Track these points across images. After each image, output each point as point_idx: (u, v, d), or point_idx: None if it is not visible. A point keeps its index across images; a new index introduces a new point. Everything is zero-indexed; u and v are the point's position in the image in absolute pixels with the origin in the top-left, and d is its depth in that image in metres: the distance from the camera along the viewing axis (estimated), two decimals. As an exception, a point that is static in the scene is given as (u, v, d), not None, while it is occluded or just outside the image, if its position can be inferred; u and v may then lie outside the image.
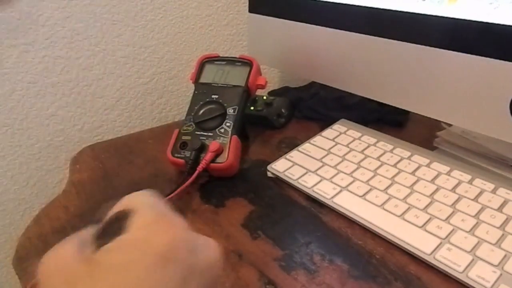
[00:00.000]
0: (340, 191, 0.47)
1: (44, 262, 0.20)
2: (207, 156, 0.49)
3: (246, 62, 0.56)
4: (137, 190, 0.24)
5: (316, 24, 0.55)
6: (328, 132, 0.57)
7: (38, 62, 0.60)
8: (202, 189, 0.50)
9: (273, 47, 0.64)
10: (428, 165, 0.49)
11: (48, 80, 0.61)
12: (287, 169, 0.51)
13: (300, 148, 0.55)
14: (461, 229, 0.40)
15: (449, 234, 0.40)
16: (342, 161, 0.51)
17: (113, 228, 0.21)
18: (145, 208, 0.22)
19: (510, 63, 0.39)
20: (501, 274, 0.35)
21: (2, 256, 0.66)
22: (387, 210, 0.43)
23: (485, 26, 0.40)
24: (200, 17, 0.72)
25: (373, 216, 0.43)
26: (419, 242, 0.39)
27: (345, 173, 0.49)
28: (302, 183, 0.48)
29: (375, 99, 0.53)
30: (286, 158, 0.53)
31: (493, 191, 0.44)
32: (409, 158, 0.50)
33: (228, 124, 0.51)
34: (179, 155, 0.51)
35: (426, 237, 0.40)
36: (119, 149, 0.60)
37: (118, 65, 0.66)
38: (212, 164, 0.49)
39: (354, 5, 0.50)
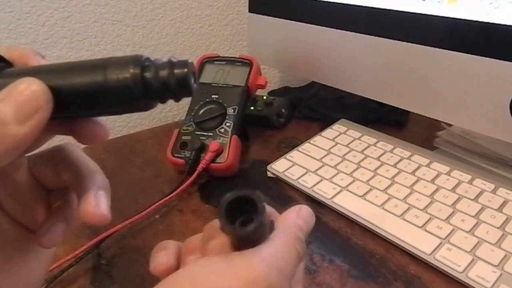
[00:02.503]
0: (340, 191, 0.47)
1: None
2: (207, 156, 0.49)
3: (246, 62, 0.56)
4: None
5: (316, 24, 0.55)
6: (328, 132, 0.57)
7: (38, 62, 0.60)
8: (202, 189, 0.50)
9: (273, 47, 0.63)
10: (428, 165, 0.49)
11: (48, 80, 0.61)
12: (287, 169, 0.51)
13: (300, 148, 0.55)
14: (461, 229, 0.40)
15: (449, 234, 0.40)
16: (342, 161, 0.51)
17: None
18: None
19: (510, 63, 0.39)
20: (501, 274, 0.35)
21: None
22: (387, 210, 0.43)
23: (485, 26, 0.40)
24: (200, 17, 0.72)
25: (373, 216, 0.43)
26: (419, 242, 0.39)
27: (345, 173, 0.49)
28: (302, 183, 0.48)
29: (375, 99, 0.53)
30: (286, 158, 0.53)
31: (493, 191, 0.44)
32: (409, 158, 0.50)
33: (228, 124, 0.51)
34: (179, 155, 0.51)
35: (426, 237, 0.40)
36: (119, 149, 0.60)
37: (118, 65, 0.66)
38: (212, 164, 0.49)
39: (354, 5, 0.50)
